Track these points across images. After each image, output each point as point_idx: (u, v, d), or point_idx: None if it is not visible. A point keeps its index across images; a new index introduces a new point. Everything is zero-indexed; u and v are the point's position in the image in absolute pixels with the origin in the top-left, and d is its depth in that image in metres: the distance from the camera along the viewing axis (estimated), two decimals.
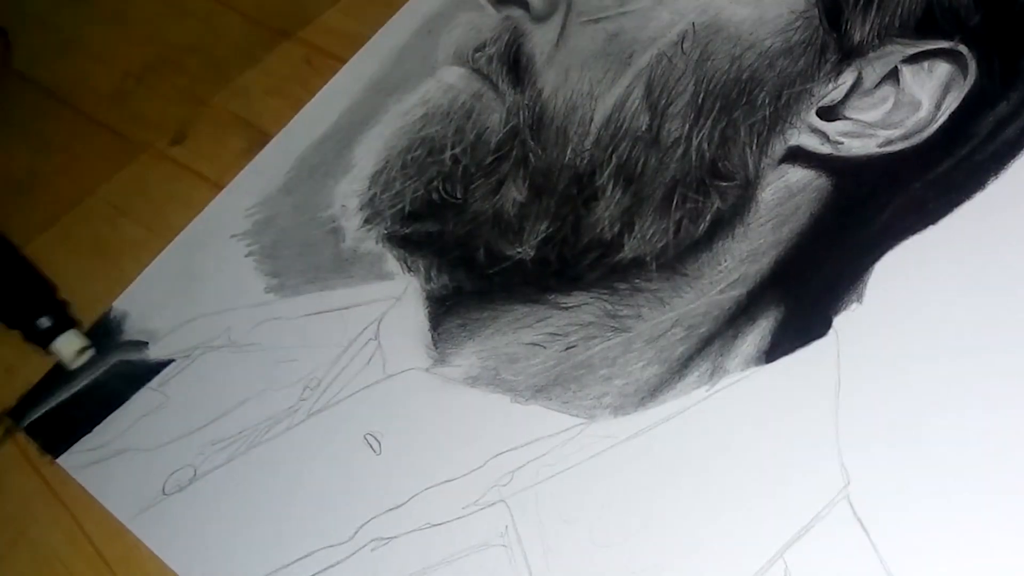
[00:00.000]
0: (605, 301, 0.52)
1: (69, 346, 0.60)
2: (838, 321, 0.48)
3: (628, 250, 0.53)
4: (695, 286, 0.52)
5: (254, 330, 0.58)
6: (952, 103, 0.52)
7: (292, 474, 0.53)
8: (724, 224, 0.53)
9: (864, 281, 0.48)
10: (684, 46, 0.56)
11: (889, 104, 0.53)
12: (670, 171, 0.54)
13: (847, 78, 0.53)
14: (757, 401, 0.47)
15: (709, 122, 0.54)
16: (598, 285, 0.53)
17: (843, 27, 0.54)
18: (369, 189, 0.59)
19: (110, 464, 0.57)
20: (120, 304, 0.62)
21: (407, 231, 0.57)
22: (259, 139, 0.66)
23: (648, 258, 0.53)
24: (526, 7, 0.59)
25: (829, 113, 0.53)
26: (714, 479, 0.46)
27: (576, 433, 0.49)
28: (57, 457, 0.58)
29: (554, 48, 0.58)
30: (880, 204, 0.50)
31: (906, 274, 0.48)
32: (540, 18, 0.59)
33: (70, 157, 0.71)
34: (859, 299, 0.48)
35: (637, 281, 0.52)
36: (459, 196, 0.56)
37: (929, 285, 0.47)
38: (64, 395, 0.60)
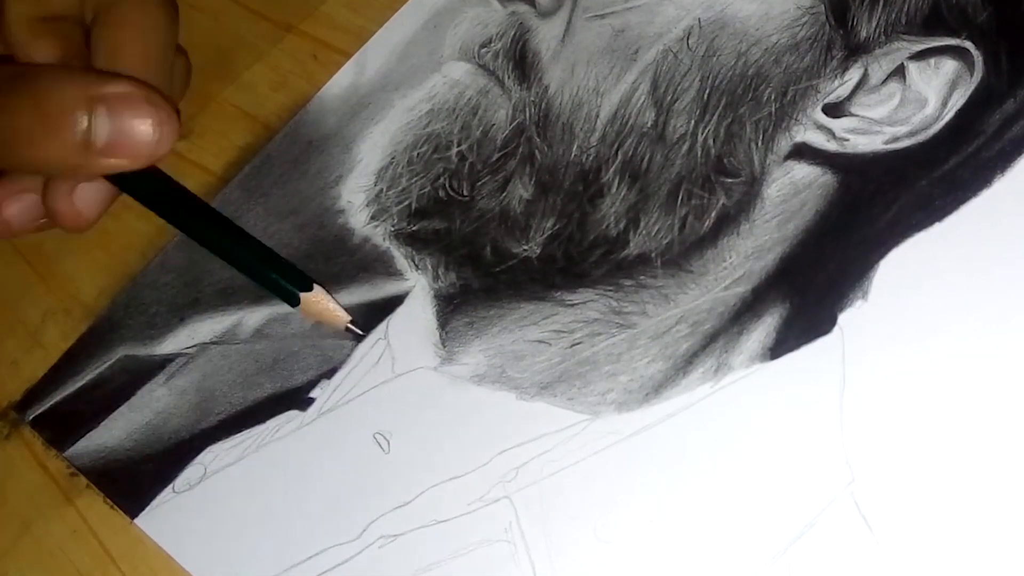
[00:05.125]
0: (610, 298, 0.52)
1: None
2: (843, 318, 0.48)
3: (633, 247, 0.53)
4: (700, 283, 0.52)
5: (262, 327, 0.58)
6: (959, 100, 0.52)
7: (302, 473, 0.53)
8: (729, 221, 0.53)
9: (870, 278, 0.48)
10: (690, 42, 0.56)
11: (895, 101, 0.53)
12: (676, 167, 0.54)
13: (853, 75, 0.54)
14: (762, 398, 0.47)
15: (715, 118, 0.54)
16: (603, 282, 0.53)
17: (849, 23, 0.54)
18: (375, 185, 0.59)
19: (116, 459, 0.57)
20: (125, 299, 0.62)
21: (414, 228, 0.57)
22: (264, 133, 0.66)
23: (653, 255, 0.53)
24: (532, 2, 0.60)
25: (835, 110, 0.53)
26: (718, 476, 0.46)
27: (580, 430, 0.49)
28: (63, 451, 0.58)
29: (560, 44, 0.58)
30: (886, 201, 0.50)
31: (912, 271, 0.48)
32: (546, 13, 0.59)
33: None
34: (864, 296, 0.48)
35: (642, 278, 0.52)
36: (466, 193, 0.56)
37: (935, 282, 0.47)
38: (70, 389, 0.60)
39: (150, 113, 0.48)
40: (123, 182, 0.54)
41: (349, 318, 0.54)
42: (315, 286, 0.54)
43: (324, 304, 0.53)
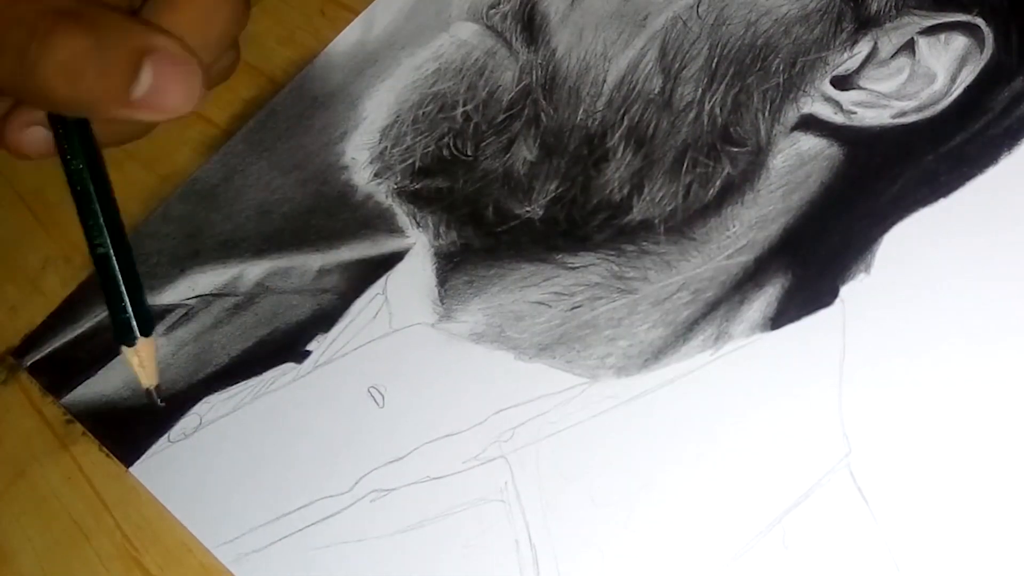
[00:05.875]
0: (612, 262, 0.52)
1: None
2: (845, 291, 0.48)
3: (637, 212, 0.53)
4: (703, 251, 0.51)
5: (262, 279, 0.58)
6: (968, 77, 0.51)
7: (296, 424, 0.53)
8: (734, 190, 0.53)
9: (872, 252, 0.48)
10: (699, 10, 0.56)
11: (904, 75, 0.53)
12: (681, 135, 0.54)
13: (863, 48, 0.53)
14: (761, 367, 0.47)
15: (722, 87, 0.54)
16: (605, 246, 0.53)
17: None
18: (379, 143, 0.59)
19: (113, 407, 0.57)
20: None
21: (417, 186, 0.57)
22: (269, 88, 0.66)
23: (656, 221, 0.53)
24: None
25: (843, 82, 0.53)
26: (715, 443, 0.46)
27: (579, 392, 0.49)
28: (60, 398, 0.58)
29: (569, 7, 0.58)
30: (891, 175, 0.50)
31: (915, 246, 0.48)
32: None
33: None
34: (867, 269, 0.48)
35: (645, 244, 0.52)
36: (469, 153, 0.56)
37: (938, 258, 0.47)
38: (68, 336, 0.60)
39: (189, 75, 0.47)
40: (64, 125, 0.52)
41: (155, 382, 0.53)
42: (142, 341, 0.52)
43: (140, 361, 0.52)
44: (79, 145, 0.50)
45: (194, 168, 0.64)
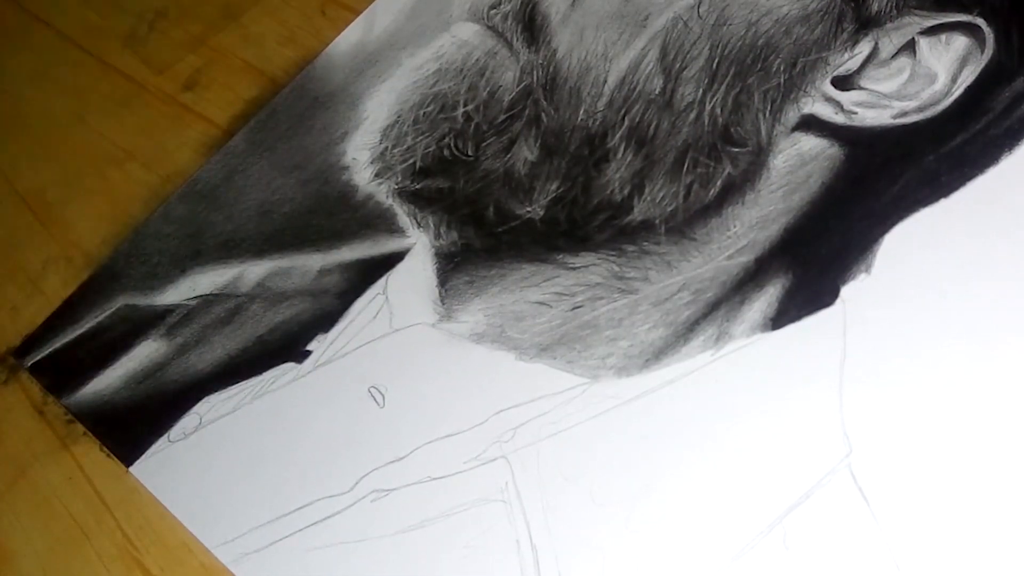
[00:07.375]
0: (613, 263, 0.52)
1: None
2: (846, 291, 0.48)
3: (637, 212, 0.53)
4: (703, 251, 0.51)
5: (263, 280, 0.58)
6: (968, 77, 0.51)
7: (296, 424, 0.53)
8: (734, 190, 0.52)
9: (873, 252, 0.48)
10: (700, 10, 0.56)
11: (905, 76, 0.53)
12: (682, 135, 0.54)
13: (863, 48, 0.53)
14: (762, 368, 0.47)
15: (723, 87, 0.54)
16: (606, 246, 0.53)
17: None
18: (380, 143, 0.59)
19: (113, 408, 0.57)
20: (127, 248, 0.62)
21: (417, 187, 0.57)
22: (270, 88, 0.66)
23: (657, 221, 0.53)
24: None
25: (844, 82, 0.53)
26: (716, 443, 0.46)
27: (579, 392, 0.49)
28: (61, 398, 0.58)
29: (570, 8, 0.58)
30: (892, 176, 0.50)
31: (916, 246, 0.48)
32: None
33: (82, 101, 0.71)
34: (868, 269, 0.48)
35: (645, 244, 0.52)
36: (470, 153, 0.56)
37: (938, 258, 0.47)
38: (69, 337, 0.60)
39: None
40: None
41: None
42: None
43: None
44: None
45: (195, 168, 0.64)
